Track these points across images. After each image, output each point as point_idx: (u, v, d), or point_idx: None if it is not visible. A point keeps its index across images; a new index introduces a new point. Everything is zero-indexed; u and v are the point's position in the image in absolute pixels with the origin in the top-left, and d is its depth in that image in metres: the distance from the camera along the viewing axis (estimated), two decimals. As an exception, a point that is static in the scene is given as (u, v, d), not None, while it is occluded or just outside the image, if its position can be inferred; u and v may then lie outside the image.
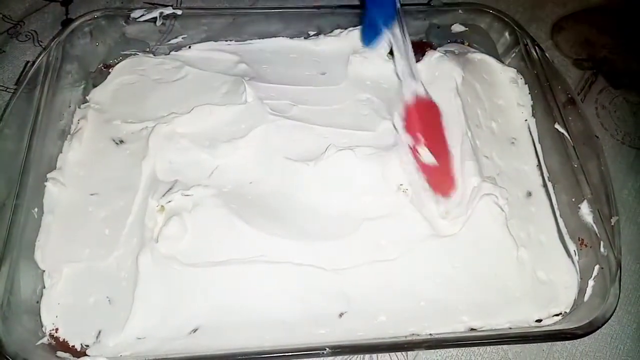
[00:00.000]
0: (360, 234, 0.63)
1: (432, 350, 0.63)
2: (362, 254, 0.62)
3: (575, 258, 0.65)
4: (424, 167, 0.67)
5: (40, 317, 0.58)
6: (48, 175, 0.65)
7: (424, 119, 0.69)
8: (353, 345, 0.56)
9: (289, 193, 0.66)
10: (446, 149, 0.69)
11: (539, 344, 0.64)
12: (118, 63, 0.79)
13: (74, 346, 0.57)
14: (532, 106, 0.77)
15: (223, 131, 0.71)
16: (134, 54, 0.80)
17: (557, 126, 0.70)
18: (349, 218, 0.64)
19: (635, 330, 0.67)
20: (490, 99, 0.78)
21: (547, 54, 0.77)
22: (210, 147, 0.69)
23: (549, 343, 0.64)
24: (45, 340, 0.57)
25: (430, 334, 0.57)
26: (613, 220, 0.62)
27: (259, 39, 0.82)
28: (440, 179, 0.67)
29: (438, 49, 0.82)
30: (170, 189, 0.64)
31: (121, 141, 0.71)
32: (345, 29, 0.81)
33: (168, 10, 0.78)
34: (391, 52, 0.73)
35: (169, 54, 0.81)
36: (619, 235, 0.61)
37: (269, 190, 0.66)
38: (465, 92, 0.75)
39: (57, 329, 0.58)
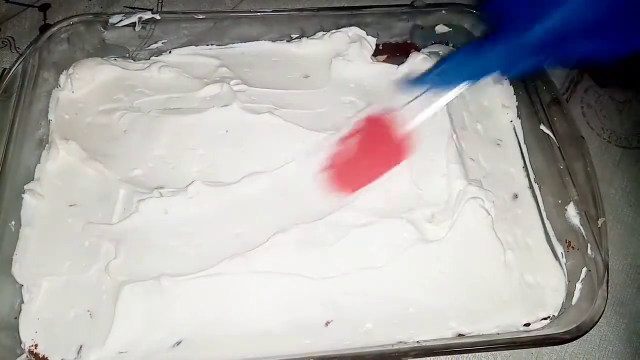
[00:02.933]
0: (347, 242, 0.62)
1: (421, 359, 0.62)
2: (349, 262, 0.61)
3: (563, 261, 0.64)
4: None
5: (19, 333, 0.57)
6: (26, 187, 0.64)
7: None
8: (339, 355, 0.55)
9: (273, 200, 0.65)
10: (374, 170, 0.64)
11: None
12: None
13: (54, 362, 0.56)
14: (517, 107, 0.76)
15: (205, 136, 0.70)
16: (114, 60, 0.78)
17: (542, 127, 0.70)
18: (336, 226, 0.63)
19: (625, 331, 0.67)
20: (476, 101, 0.77)
21: (531, 54, 0.76)
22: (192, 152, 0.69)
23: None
24: (24, 357, 0.56)
25: (418, 342, 0.57)
26: (600, 222, 0.61)
27: (241, 42, 0.81)
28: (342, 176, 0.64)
29: (422, 50, 0.82)
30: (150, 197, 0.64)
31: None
32: (328, 31, 0.80)
33: (147, 16, 0.76)
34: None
35: (149, 59, 0.79)
36: (607, 237, 0.61)
37: (252, 198, 0.65)
38: None
39: (36, 345, 0.57)
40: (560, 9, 0.48)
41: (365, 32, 0.80)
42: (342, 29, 0.80)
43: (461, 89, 0.58)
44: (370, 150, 0.64)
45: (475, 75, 0.58)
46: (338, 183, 0.64)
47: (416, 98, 0.62)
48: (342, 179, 0.64)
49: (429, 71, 0.67)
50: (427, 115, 0.61)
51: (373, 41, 0.80)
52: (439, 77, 0.60)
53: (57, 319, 0.58)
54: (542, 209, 0.69)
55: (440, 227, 0.64)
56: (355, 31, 0.80)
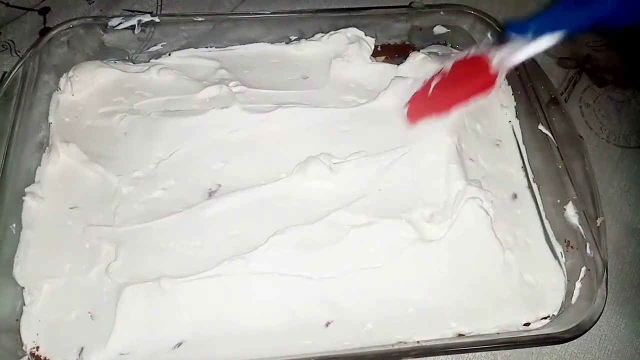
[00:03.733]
0: (347, 242, 0.62)
1: (421, 359, 0.62)
2: (348, 262, 0.62)
3: (562, 260, 0.65)
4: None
5: (20, 335, 0.57)
6: (26, 190, 0.64)
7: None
8: (340, 356, 0.55)
9: (272, 201, 0.65)
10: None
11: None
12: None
13: (55, 364, 0.56)
14: (515, 107, 0.77)
15: (204, 137, 0.71)
16: (113, 62, 0.78)
17: (540, 127, 0.70)
18: (335, 226, 0.63)
19: (624, 330, 0.67)
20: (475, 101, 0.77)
21: (530, 54, 0.77)
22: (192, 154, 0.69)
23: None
24: (25, 359, 0.56)
25: (418, 342, 0.57)
26: (599, 221, 0.62)
27: (240, 44, 0.81)
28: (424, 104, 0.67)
29: (421, 51, 0.82)
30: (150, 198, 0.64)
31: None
32: (327, 32, 0.81)
33: (146, 18, 0.77)
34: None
35: (148, 61, 0.79)
36: (605, 235, 0.61)
37: (251, 199, 0.65)
38: None
39: (37, 347, 0.57)
40: None
41: (363, 32, 0.80)
42: (340, 30, 0.80)
43: (560, 38, 0.57)
44: (456, 80, 0.65)
45: (586, 19, 0.56)
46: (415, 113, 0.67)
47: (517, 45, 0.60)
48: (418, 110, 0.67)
49: (535, 16, 0.61)
50: (522, 57, 0.60)
51: (371, 41, 0.81)
52: (549, 20, 0.58)
53: (58, 321, 0.58)
54: (541, 208, 0.69)
55: (440, 227, 0.64)
56: (353, 31, 0.80)
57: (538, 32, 0.58)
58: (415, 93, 0.69)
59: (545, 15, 0.58)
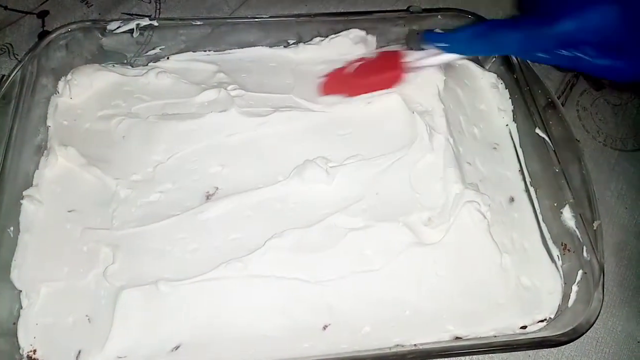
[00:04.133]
0: (344, 245, 0.62)
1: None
2: (346, 265, 0.62)
3: (559, 263, 0.65)
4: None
5: (17, 338, 0.57)
6: (24, 193, 0.64)
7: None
8: (337, 358, 0.55)
9: (269, 204, 0.66)
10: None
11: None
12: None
13: (53, 367, 0.56)
14: (512, 111, 0.77)
15: (202, 141, 0.71)
16: (111, 66, 0.79)
17: (537, 131, 0.70)
18: (332, 229, 0.64)
19: (620, 333, 0.67)
20: (472, 104, 0.78)
21: (527, 58, 0.77)
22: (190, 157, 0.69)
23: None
24: (22, 362, 0.56)
25: (415, 345, 0.57)
26: (595, 224, 0.62)
27: (238, 48, 0.81)
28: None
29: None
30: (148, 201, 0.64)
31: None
32: (325, 36, 0.81)
33: (145, 22, 0.77)
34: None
35: (147, 65, 0.79)
36: (602, 239, 0.61)
37: (248, 203, 0.65)
38: (447, 98, 0.75)
39: (35, 351, 0.57)
40: (578, 16, 0.52)
41: (365, 32, 0.81)
42: (341, 33, 0.80)
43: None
44: (368, 69, 0.72)
45: (488, 50, 0.67)
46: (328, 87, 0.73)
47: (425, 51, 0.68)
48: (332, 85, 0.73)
49: (447, 32, 0.72)
50: (427, 63, 0.68)
51: (373, 40, 0.81)
52: (454, 42, 0.65)
53: (55, 324, 0.58)
54: (538, 212, 0.69)
55: (437, 230, 0.64)
56: (355, 32, 0.80)
57: (448, 48, 0.65)
58: (336, 69, 0.75)
59: (455, 35, 0.66)
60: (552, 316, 0.61)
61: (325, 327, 0.59)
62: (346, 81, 0.73)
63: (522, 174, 0.73)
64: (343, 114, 0.73)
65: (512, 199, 0.70)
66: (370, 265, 0.62)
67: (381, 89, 0.72)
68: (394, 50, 0.73)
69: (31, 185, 0.66)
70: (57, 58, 0.75)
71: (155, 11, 0.91)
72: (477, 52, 0.68)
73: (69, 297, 0.60)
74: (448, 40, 0.65)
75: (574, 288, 0.61)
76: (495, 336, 0.59)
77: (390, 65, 0.70)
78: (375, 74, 0.71)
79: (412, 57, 0.69)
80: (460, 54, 0.66)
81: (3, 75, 0.81)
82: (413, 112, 0.71)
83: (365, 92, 0.72)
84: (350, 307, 0.60)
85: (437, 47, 0.66)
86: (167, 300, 0.58)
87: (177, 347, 0.57)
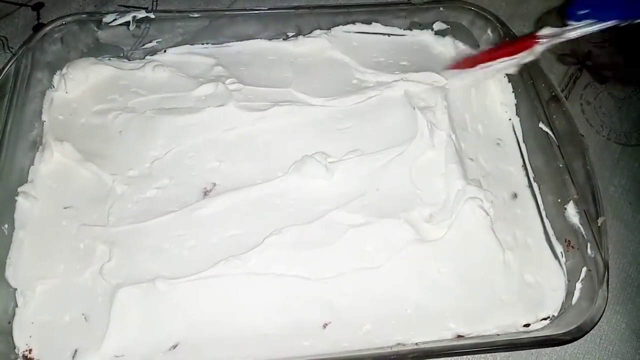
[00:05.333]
0: (344, 242, 0.62)
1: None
2: (346, 262, 0.61)
3: (563, 260, 0.64)
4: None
5: (12, 337, 0.56)
6: (19, 189, 0.63)
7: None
8: (337, 358, 0.54)
9: (268, 201, 0.65)
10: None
11: (527, 348, 0.63)
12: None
13: (48, 367, 0.55)
14: (515, 105, 0.76)
15: (200, 135, 0.70)
16: (108, 59, 0.77)
17: (541, 125, 0.69)
18: (332, 225, 0.63)
19: (625, 330, 0.66)
20: (480, 101, 0.77)
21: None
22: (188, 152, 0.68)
23: (538, 347, 0.63)
24: (18, 362, 0.55)
25: (417, 343, 0.56)
26: (600, 220, 0.61)
27: (237, 41, 0.80)
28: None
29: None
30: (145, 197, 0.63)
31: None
32: (325, 29, 0.80)
33: (141, 14, 0.76)
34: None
35: (143, 58, 0.78)
36: (606, 235, 0.60)
37: (247, 199, 0.64)
38: (456, 94, 0.75)
39: (30, 350, 0.56)
40: None
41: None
42: (338, 26, 0.80)
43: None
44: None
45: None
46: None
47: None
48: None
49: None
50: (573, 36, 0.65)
51: None
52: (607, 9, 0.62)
53: (51, 323, 0.58)
54: (542, 207, 0.68)
55: (439, 227, 0.63)
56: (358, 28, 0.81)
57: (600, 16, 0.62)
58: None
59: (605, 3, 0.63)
60: (556, 314, 0.61)
61: (325, 325, 0.58)
62: (474, 58, 0.76)
63: (526, 169, 0.72)
64: (343, 108, 0.72)
65: (515, 195, 0.69)
66: (371, 262, 0.61)
67: (507, 56, 0.72)
68: (527, 36, 0.71)
69: (26, 181, 0.65)
70: (52, 51, 0.74)
71: (152, 3, 0.90)
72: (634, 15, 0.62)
73: (65, 295, 0.59)
74: (598, 9, 0.62)
75: (578, 285, 0.60)
76: (498, 334, 0.58)
77: (523, 41, 0.71)
78: (505, 47, 0.73)
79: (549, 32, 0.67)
80: (616, 19, 0.62)
81: (-3, 69, 0.80)
82: (414, 108, 0.70)
83: (490, 60, 0.73)
84: (351, 305, 0.59)
85: (587, 17, 0.63)
86: (164, 298, 0.58)
87: (175, 346, 0.56)
